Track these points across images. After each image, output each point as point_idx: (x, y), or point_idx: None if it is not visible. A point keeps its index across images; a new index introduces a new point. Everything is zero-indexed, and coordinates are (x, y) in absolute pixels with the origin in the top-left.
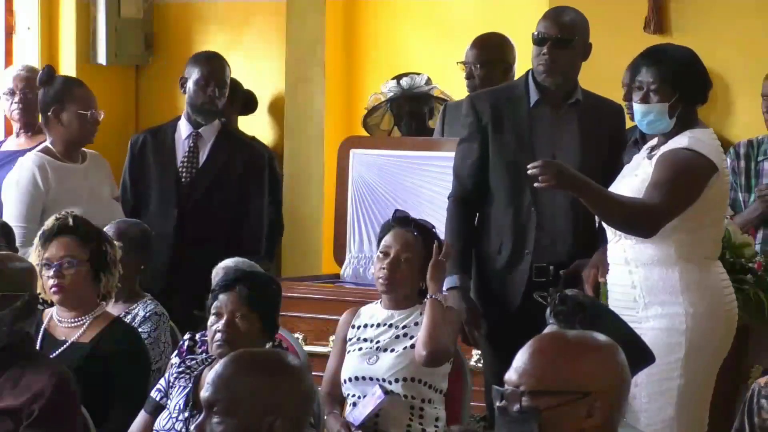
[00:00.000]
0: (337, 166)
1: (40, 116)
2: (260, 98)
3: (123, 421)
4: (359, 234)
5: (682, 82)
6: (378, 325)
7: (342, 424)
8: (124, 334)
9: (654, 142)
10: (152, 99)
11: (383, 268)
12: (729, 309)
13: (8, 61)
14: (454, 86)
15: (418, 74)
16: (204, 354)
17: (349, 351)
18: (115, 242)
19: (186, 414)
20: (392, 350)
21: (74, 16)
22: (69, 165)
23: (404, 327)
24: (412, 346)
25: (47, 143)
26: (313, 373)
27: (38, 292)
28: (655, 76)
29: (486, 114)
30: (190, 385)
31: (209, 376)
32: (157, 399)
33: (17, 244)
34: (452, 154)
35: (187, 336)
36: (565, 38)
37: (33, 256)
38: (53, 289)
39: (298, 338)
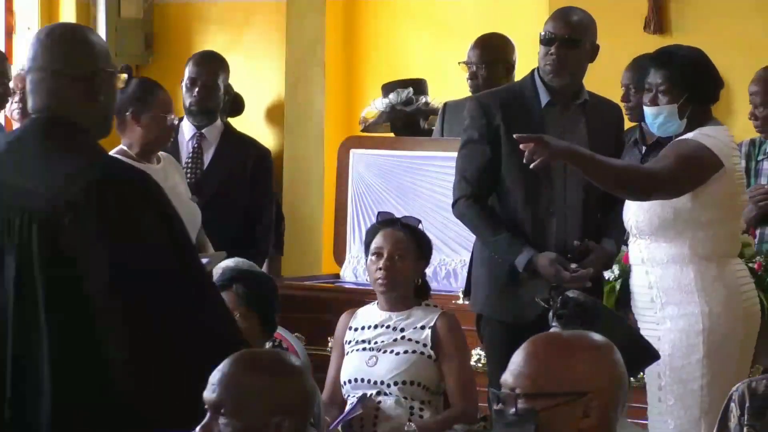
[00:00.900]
0: (337, 166)
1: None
2: (260, 98)
3: None
4: (359, 234)
5: (690, 82)
6: (376, 327)
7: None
8: None
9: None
10: None
11: (380, 269)
12: (748, 306)
13: (8, 61)
14: (453, 86)
15: (404, 88)
16: None
17: (348, 353)
18: None
19: None
20: (391, 352)
21: (74, 16)
22: (149, 166)
23: (402, 330)
24: (413, 351)
25: (123, 146)
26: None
27: None
28: (663, 77)
29: (497, 115)
30: None
31: (213, 377)
32: None
33: None
34: (452, 154)
35: None
36: (573, 38)
37: None
38: None
39: (299, 338)
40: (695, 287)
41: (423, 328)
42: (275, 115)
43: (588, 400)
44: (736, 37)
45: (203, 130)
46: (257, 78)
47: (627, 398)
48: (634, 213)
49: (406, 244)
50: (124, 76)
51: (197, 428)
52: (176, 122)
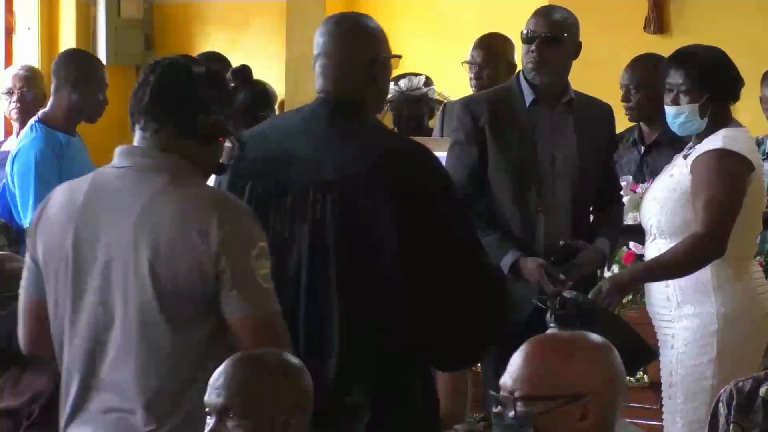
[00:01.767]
0: None
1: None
2: None
3: None
4: None
5: (711, 81)
6: None
7: None
8: None
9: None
10: None
11: None
12: (763, 308)
13: (8, 61)
14: (454, 86)
15: (417, 75)
16: None
17: None
18: None
19: None
20: None
21: (74, 16)
22: None
23: None
24: None
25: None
26: None
27: None
28: (683, 77)
29: (483, 116)
30: None
31: (216, 380)
32: None
33: None
34: None
35: None
36: (554, 36)
37: None
38: None
39: None
40: (712, 287)
41: None
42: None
43: (586, 401)
44: (736, 37)
45: None
46: (257, 78)
47: (625, 398)
48: (656, 213)
49: None
50: (397, 60)
51: None
52: None
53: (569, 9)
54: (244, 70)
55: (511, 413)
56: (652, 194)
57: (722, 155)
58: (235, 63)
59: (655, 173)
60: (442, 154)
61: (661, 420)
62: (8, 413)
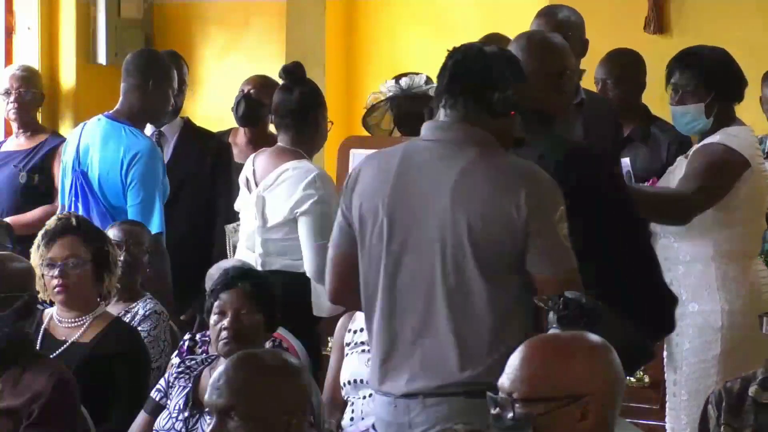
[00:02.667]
0: (337, 166)
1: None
2: None
3: (123, 422)
4: None
5: (716, 81)
6: None
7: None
8: (124, 334)
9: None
10: None
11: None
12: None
13: (8, 61)
14: None
15: (418, 74)
16: (204, 354)
17: (347, 354)
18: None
19: (186, 414)
20: None
21: (74, 16)
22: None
23: None
24: None
25: (282, 143)
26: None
27: (37, 291)
28: (689, 78)
29: None
30: (190, 385)
31: (217, 381)
32: (157, 399)
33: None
34: None
35: (187, 336)
36: (559, 35)
37: (34, 255)
38: (57, 288)
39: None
40: (717, 285)
41: None
42: None
43: (585, 402)
44: (736, 37)
45: (162, 128)
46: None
47: (623, 397)
48: None
49: None
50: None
51: None
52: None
53: (577, 10)
54: (297, 69)
55: (510, 415)
56: None
57: (717, 147)
58: (235, 63)
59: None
60: None
61: (661, 420)
62: (8, 413)
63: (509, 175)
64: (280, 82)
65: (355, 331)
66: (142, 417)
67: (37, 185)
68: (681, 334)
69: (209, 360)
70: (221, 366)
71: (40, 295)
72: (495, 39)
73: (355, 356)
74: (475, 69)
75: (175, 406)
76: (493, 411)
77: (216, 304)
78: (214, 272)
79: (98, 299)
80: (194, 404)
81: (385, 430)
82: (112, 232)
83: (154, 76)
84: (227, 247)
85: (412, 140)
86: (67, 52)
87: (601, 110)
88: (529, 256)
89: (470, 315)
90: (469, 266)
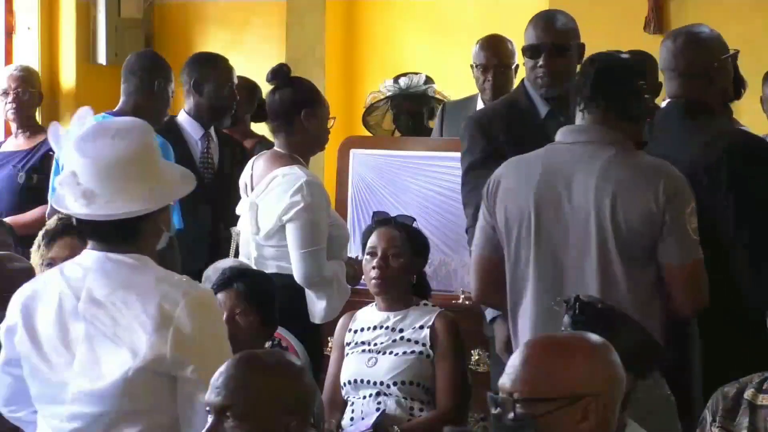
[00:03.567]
0: (337, 166)
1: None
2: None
3: None
4: (359, 234)
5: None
6: (374, 328)
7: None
8: None
9: None
10: None
11: (374, 268)
12: None
13: (8, 61)
14: (453, 86)
15: (417, 74)
16: None
17: (347, 354)
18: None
19: None
20: (391, 353)
21: (74, 16)
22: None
23: (401, 330)
24: (413, 351)
25: (278, 148)
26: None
27: None
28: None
29: (501, 134)
30: None
31: (216, 380)
32: None
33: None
34: (452, 154)
35: None
36: (560, 45)
37: (34, 256)
38: None
39: None
40: None
41: (422, 327)
42: None
43: (586, 403)
44: (736, 37)
45: (209, 131)
46: (257, 78)
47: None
48: None
49: (400, 242)
50: None
51: None
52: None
53: (567, 11)
54: (281, 71)
55: (511, 415)
56: None
57: None
58: (235, 63)
59: None
60: (442, 154)
61: None
62: None
63: (648, 170)
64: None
65: (355, 331)
66: None
67: (36, 185)
68: None
69: None
70: (222, 365)
71: None
72: (495, 39)
73: (355, 356)
74: (619, 78)
75: None
76: (493, 411)
77: None
78: (211, 273)
79: None
80: None
81: None
82: None
83: (159, 78)
84: (231, 249)
85: (550, 145)
86: (67, 52)
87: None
88: (661, 245)
89: (615, 302)
90: (612, 256)
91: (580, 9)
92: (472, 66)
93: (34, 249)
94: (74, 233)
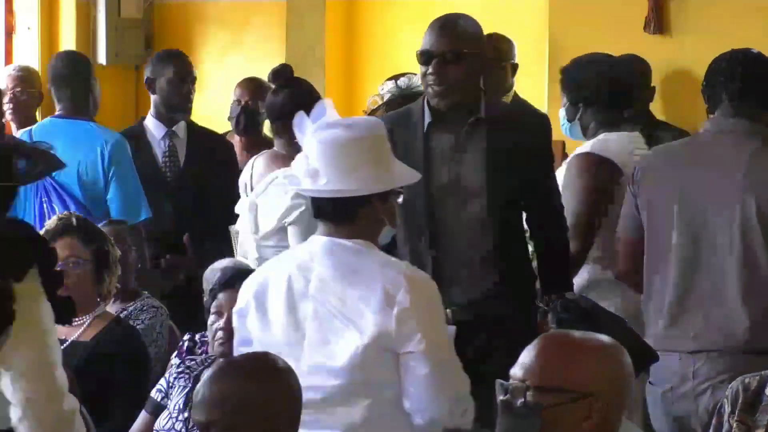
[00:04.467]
0: None
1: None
2: None
3: (123, 421)
4: None
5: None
6: None
7: None
8: (124, 333)
9: None
10: None
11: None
12: None
13: (8, 61)
14: None
15: (415, 74)
16: (204, 354)
17: None
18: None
19: (186, 414)
20: None
21: (74, 16)
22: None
23: None
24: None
25: (277, 149)
26: None
27: None
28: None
29: (390, 140)
30: (190, 384)
31: (196, 396)
32: (158, 399)
33: None
34: None
35: (186, 336)
36: (454, 53)
37: None
38: None
39: None
40: None
41: None
42: None
43: (592, 401)
44: (736, 37)
45: (173, 128)
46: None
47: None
48: None
49: None
50: None
51: None
52: None
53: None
54: (283, 71)
55: (521, 401)
56: None
57: (583, 158)
58: (235, 63)
59: None
60: None
61: None
62: None
63: None
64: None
65: None
66: (143, 417)
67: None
68: None
69: (209, 360)
70: (202, 379)
71: None
72: (495, 39)
73: None
74: (763, 74)
75: (175, 406)
76: (502, 398)
77: (213, 304)
78: (209, 274)
79: (98, 299)
80: None
81: (665, 377)
82: None
83: (92, 78)
84: (234, 248)
85: (694, 135)
86: None
87: (520, 126)
88: None
89: (756, 286)
90: (756, 241)
91: (581, 9)
92: None
93: None
94: (74, 233)
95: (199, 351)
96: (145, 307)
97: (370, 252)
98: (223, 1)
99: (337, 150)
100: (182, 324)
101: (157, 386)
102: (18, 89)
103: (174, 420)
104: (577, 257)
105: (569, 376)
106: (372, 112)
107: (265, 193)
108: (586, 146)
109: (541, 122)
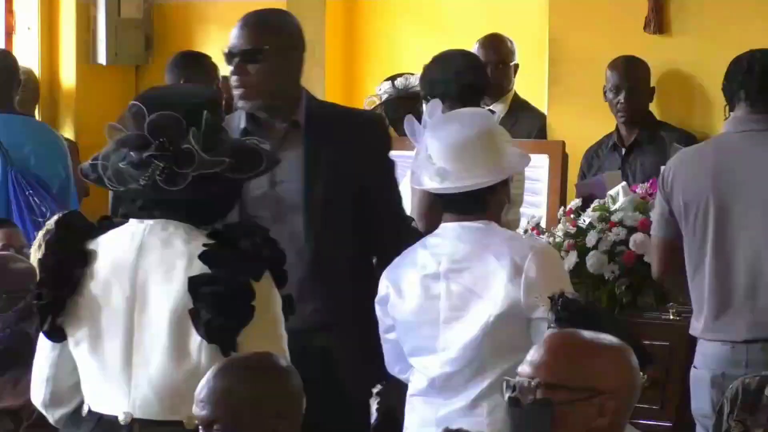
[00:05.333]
0: None
1: None
2: None
3: None
4: None
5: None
6: None
7: None
8: None
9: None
10: None
11: None
12: None
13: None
14: None
15: (412, 74)
16: None
17: None
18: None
19: None
20: None
21: (74, 16)
22: None
23: None
24: None
25: None
26: None
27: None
28: None
29: None
30: None
31: (199, 393)
32: None
33: None
34: None
35: None
36: (253, 51)
37: (34, 255)
38: None
39: None
40: None
41: None
42: None
43: (604, 399)
44: (736, 37)
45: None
46: None
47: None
48: None
49: None
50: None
51: None
52: None
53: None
54: None
55: (530, 398)
56: None
57: None
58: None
59: (637, 173)
60: None
61: (661, 420)
62: (8, 413)
63: None
64: None
65: None
66: None
67: None
68: None
69: None
70: (205, 376)
71: None
72: (495, 37)
73: None
74: None
75: None
76: (510, 395)
77: None
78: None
79: None
80: None
81: (717, 365)
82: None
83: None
84: None
85: (719, 135)
86: (67, 52)
87: (348, 129)
88: None
89: None
90: None
91: (581, 9)
92: None
93: (34, 248)
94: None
95: None
96: None
97: (496, 229)
98: (223, 1)
99: (460, 148)
100: None
101: None
102: None
103: None
104: None
105: (580, 373)
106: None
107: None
108: None
109: (373, 123)
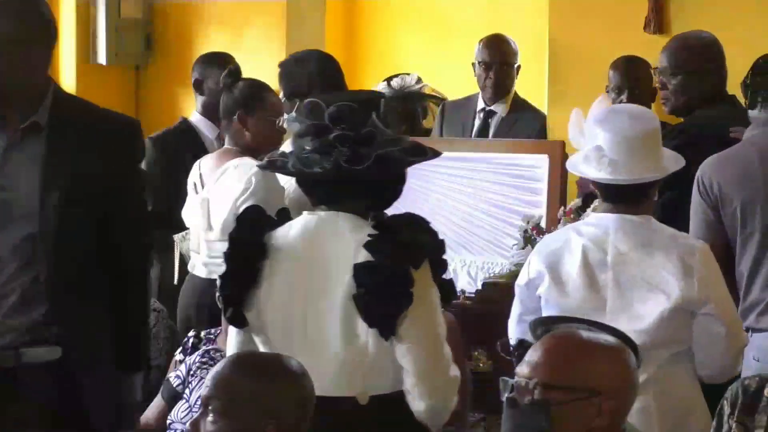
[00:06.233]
0: None
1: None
2: None
3: None
4: None
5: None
6: None
7: None
8: None
9: None
10: (152, 99)
11: None
12: None
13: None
14: (452, 86)
15: (408, 74)
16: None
17: None
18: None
19: None
20: None
21: (74, 16)
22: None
23: None
24: None
25: (228, 146)
26: None
27: None
28: None
29: None
30: None
31: (210, 373)
32: (175, 385)
33: None
34: (451, 154)
35: (191, 333)
36: None
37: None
38: None
39: None
40: None
41: None
42: None
43: (602, 399)
44: (736, 36)
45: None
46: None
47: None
48: None
49: None
50: None
51: (187, 424)
52: (285, 125)
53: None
54: (230, 71)
55: (528, 399)
56: None
57: None
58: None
59: None
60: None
61: None
62: None
63: None
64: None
65: None
66: (157, 403)
67: None
68: None
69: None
70: (221, 361)
71: None
72: (498, 38)
73: None
74: None
75: (195, 400)
76: (507, 395)
77: None
78: None
79: None
80: None
81: None
82: None
83: None
84: (175, 257)
85: (754, 135)
86: (67, 52)
87: (94, 133)
88: None
89: None
90: None
91: (580, 9)
92: (473, 64)
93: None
94: None
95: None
96: None
97: (657, 225)
98: (223, 1)
99: (635, 142)
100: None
101: (176, 372)
102: None
103: (194, 413)
104: None
105: (578, 373)
106: None
107: (217, 185)
108: None
109: (122, 132)
